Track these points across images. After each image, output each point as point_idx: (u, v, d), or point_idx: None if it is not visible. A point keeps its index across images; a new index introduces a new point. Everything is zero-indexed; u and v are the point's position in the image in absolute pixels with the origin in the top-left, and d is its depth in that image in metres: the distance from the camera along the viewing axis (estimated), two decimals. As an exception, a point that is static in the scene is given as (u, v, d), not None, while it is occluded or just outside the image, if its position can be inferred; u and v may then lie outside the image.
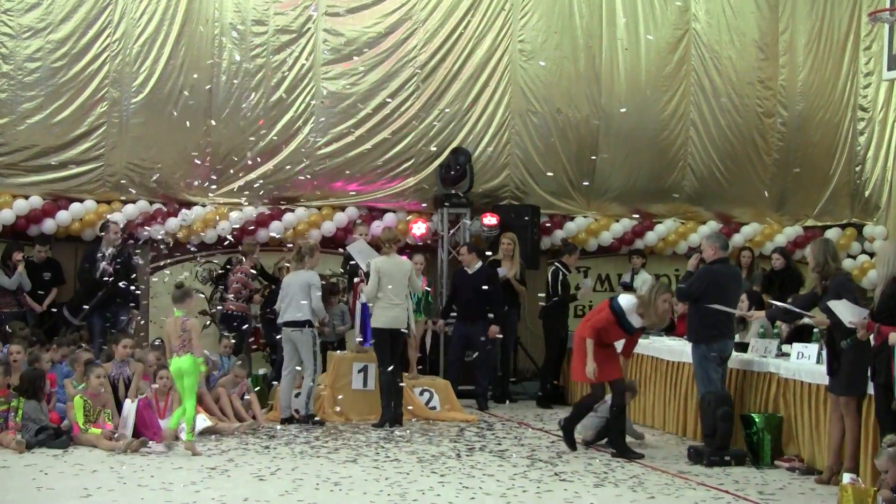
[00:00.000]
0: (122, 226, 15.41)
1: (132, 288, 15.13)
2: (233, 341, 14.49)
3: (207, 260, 16.27)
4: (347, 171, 16.92)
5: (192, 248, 16.13)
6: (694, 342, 11.92)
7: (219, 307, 15.50)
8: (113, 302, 15.04)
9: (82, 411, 11.70)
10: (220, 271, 15.92)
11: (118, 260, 15.10)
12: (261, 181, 16.49)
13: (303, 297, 13.36)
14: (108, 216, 15.56)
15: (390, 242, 13.76)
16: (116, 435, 11.64)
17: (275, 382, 14.14)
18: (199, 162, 16.09)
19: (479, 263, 15.51)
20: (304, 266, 13.58)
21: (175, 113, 15.99)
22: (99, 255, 15.03)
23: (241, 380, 13.51)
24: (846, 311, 9.82)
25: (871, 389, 10.01)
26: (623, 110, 17.92)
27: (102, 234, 15.25)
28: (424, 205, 17.51)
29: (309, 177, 16.69)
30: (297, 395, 13.49)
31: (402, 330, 13.63)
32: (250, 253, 15.57)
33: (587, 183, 18.08)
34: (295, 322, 13.40)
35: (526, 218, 17.10)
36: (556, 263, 16.18)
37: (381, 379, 13.57)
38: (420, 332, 14.91)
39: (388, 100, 16.96)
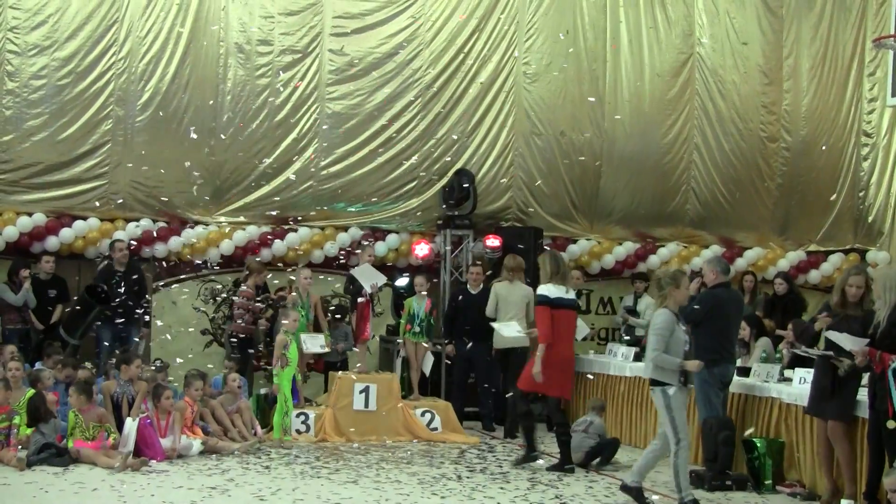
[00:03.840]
0: (127, 243, 15.42)
1: (140, 305, 15.23)
2: (231, 362, 14.52)
3: (211, 279, 16.31)
4: (351, 192, 16.93)
5: (196, 265, 16.18)
6: (695, 366, 11.91)
7: (224, 327, 15.48)
8: (124, 318, 15.02)
9: (72, 425, 11.72)
10: (224, 293, 15.98)
11: (133, 277, 15.18)
12: (264, 200, 16.51)
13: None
14: (115, 234, 15.61)
15: (513, 270, 14.83)
16: (117, 452, 11.64)
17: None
18: (202, 181, 16.13)
19: (482, 285, 15.56)
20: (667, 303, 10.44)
21: (179, 131, 16.03)
22: (116, 275, 15.09)
23: (238, 396, 13.50)
24: (846, 341, 9.82)
25: (860, 412, 10.14)
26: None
27: (110, 254, 15.30)
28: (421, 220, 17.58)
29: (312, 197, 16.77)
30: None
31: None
32: (256, 272, 15.55)
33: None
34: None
35: (529, 240, 17.10)
36: None
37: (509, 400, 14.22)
38: (422, 354, 14.88)
39: (388, 123, 17.04)
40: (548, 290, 12.16)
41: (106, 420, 11.98)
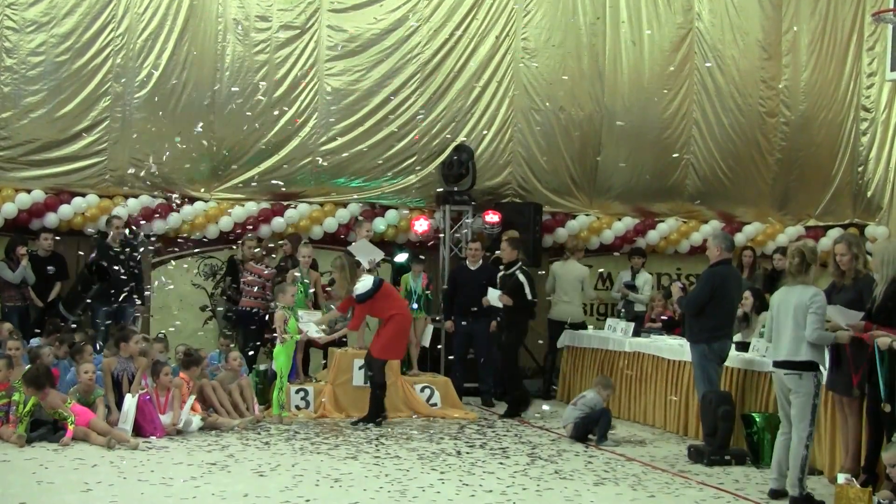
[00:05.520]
0: (124, 220, 15.37)
1: (136, 282, 15.18)
2: (226, 339, 14.53)
3: (210, 255, 16.30)
4: (350, 168, 16.91)
5: (189, 244, 16.16)
6: (694, 342, 11.95)
7: (232, 306, 15.45)
8: (119, 296, 15.00)
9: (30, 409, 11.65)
10: (223, 269, 16.02)
11: (133, 254, 15.15)
12: (263, 177, 16.49)
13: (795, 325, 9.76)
14: (114, 211, 15.57)
15: (571, 250, 16.99)
16: (119, 428, 11.67)
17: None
18: (201, 157, 16.14)
19: (481, 261, 15.57)
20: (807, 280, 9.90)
21: (178, 108, 16.00)
22: (111, 252, 15.02)
23: (238, 374, 13.51)
24: (839, 315, 9.80)
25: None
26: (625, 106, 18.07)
27: (106, 230, 15.27)
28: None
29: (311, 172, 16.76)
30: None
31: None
32: (271, 250, 15.52)
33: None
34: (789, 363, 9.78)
35: (528, 216, 17.11)
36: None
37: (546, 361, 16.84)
38: (421, 328, 14.93)
39: (392, 97, 17.01)
40: (364, 286, 13.41)
41: (59, 406, 11.77)
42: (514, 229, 16.42)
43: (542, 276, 17.29)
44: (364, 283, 13.41)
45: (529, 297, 14.47)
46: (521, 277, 14.52)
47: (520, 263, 14.74)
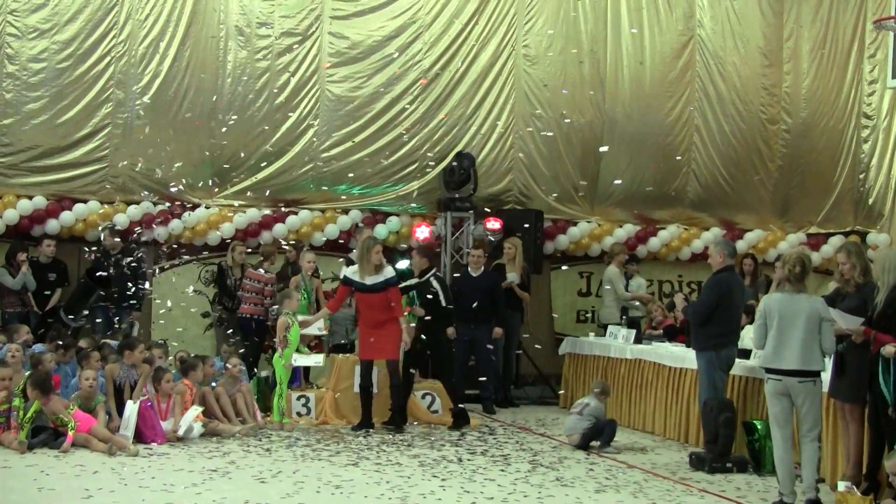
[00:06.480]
0: (117, 229, 15.39)
1: (136, 289, 15.16)
2: (230, 346, 14.51)
3: (211, 262, 16.30)
4: (351, 174, 16.92)
5: (183, 252, 16.16)
6: (700, 350, 11.89)
7: (225, 312, 15.47)
8: (118, 303, 15.02)
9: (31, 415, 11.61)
10: (218, 274, 15.97)
11: (132, 263, 15.14)
12: (265, 183, 16.50)
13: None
14: (110, 219, 15.59)
15: (610, 256, 17.33)
16: (120, 434, 11.66)
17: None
18: (203, 164, 16.16)
19: (482, 267, 15.54)
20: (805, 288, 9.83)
21: (179, 115, 16.01)
22: (110, 259, 15.04)
23: (238, 380, 13.47)
24: (840, 319, 9.79)
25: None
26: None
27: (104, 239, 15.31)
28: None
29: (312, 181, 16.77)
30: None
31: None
32: (269, 255, 15.50)
33: (582, 194, 18.12)
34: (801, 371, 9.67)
35: (529, 223, 17.10)
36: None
37: None
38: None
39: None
40: (390, 270, 13.52)
41: (61, 412, 11.76)
42: (515, 236, 16.45)
43: (544, 281, 17.37)
44: (389, 269, 13.59)
45: (444, 303, 14.30)
46: (435, 284, 14.38)
47: (434, 270, 14.64)
